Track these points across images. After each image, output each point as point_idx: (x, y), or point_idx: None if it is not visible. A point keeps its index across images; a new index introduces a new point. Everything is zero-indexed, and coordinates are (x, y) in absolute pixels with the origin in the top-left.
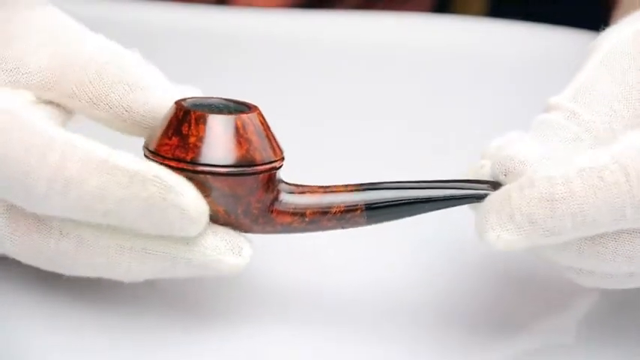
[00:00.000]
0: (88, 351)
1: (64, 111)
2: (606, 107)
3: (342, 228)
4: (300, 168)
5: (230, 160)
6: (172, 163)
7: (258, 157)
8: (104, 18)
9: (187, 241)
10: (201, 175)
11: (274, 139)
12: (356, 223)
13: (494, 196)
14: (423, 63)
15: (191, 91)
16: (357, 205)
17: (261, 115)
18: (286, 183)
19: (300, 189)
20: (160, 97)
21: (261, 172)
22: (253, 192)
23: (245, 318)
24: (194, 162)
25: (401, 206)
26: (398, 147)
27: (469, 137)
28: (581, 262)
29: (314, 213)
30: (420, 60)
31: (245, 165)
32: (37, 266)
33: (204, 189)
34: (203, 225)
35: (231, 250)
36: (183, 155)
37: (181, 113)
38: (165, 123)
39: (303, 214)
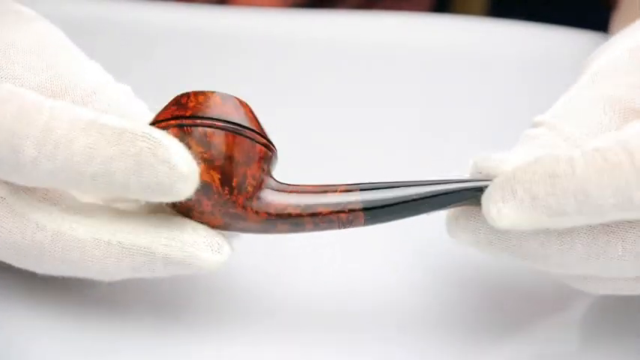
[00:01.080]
0: (87, 353)
1: None
2: (591, 121)
3: (341, 228)
4: (300, 167)
5: (229, 119)
6: (171, 122)
7: (255, 127)
8: (104, 18)
9: (167, 234)
10: (200, 129)
11: (266, 134)
12: (354, 224)
13: (499, 176)
14: (423, 63)
15: None
16: (354, 205)
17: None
18: (279, 182)
19: (293, 188)
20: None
21: (259, 140)
22: (249, 162)
23: (241, 321)
24: (193, 116)
25: (399, 205)
26: (398, 147)
27: (469, 137)
28: (587, 265)
29: (308, 214)
30: (420, 60)
31: (244, 127)
32: (9, 262)
33: (201, 147)
34: (193, 185)
35: (210, 247)
36: (182, 113)
37: (179, 95)
38: (163, 107)
39: (297, 214)
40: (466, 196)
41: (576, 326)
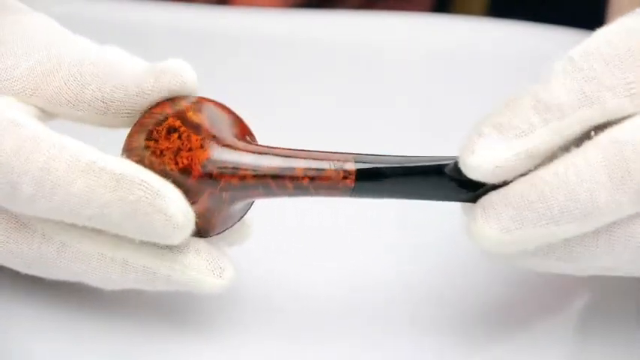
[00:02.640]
0: (87, 352)
1: (47, 115)
2: None
3: (333, 174)
4: None
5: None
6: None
7: None
8: (104, 18)
9: (169, 256)
10: (191, 97)
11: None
12: (346, 171)
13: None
14: (423, 63)
15: (167, 64)
16: (346, 155)
17: None
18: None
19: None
20: (133, 77)
21: (240, 121)
22: (237, 130)
23: (242, 320)
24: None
25: (389, 166)
26: (397, 147)
27: None
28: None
29: (300, 150)
30: (420, 60)
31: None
32: (15, 269)
33: (190, 103)
34: (188, 232)
35: (212, 271)
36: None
37: None
38: None
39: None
40: (454, 167)
41: (575, 321)
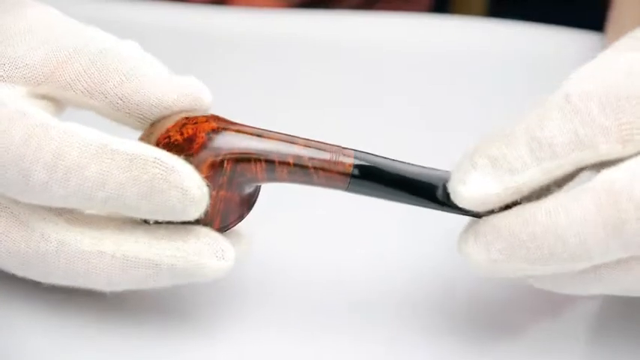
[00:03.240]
0: (87, 350)
1: (57, 105)
2: None
3: (332, 161)
4: None
5: None
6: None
7: None
8: (103, 18)
9: (170, 245)
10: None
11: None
12: (343, 161)
13: (459, 159)
14: (422, 63)
15: (190, 82)
16: (346, 150)
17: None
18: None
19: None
20: (157, 87)
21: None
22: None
23: (246, 311)
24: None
25: (387, 171)
26: (397, 147)
27: (469, 137)
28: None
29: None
30: (420, 60)
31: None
32: (13, 272)
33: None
34: (204, 206)
35: (214, 254)
36: None
37: None
38: None
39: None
40: (444, 191)
41: (575, 322)
